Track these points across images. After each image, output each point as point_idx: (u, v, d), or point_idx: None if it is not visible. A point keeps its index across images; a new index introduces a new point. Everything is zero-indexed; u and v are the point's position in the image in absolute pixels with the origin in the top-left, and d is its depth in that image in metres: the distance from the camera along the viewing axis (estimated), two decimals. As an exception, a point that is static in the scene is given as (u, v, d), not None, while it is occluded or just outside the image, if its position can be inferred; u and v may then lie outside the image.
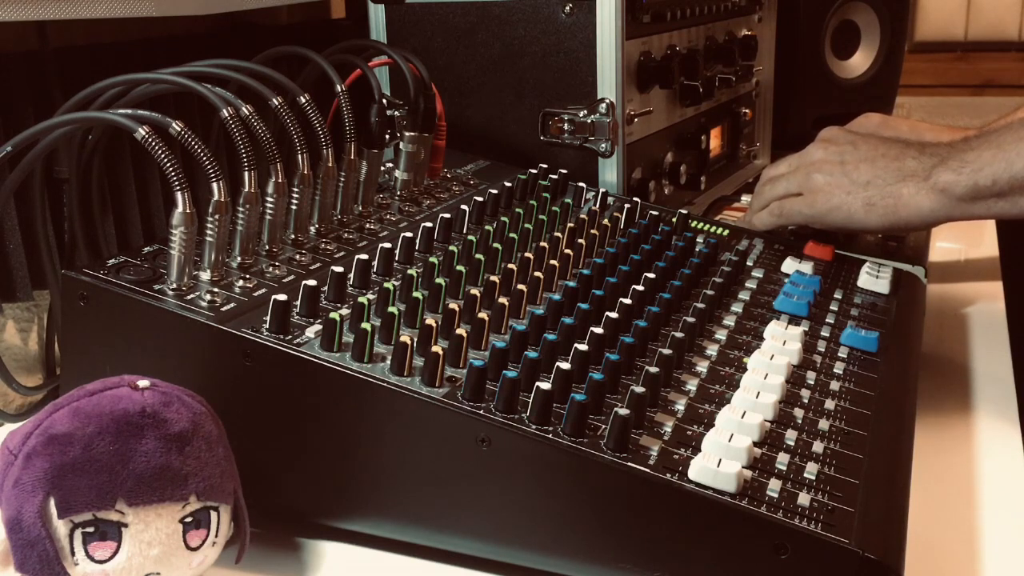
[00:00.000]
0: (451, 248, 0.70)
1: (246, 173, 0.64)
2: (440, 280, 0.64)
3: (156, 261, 0.64)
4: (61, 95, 0.79)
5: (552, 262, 0.71)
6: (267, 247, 0.69)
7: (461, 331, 0.58)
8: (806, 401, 0.61)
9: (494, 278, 0.66)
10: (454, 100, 0.99)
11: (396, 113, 0.85)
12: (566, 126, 0.95)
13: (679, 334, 0.64)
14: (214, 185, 0.62)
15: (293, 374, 0.56)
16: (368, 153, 0.80)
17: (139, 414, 0.49)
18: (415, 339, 0.57)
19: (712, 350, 0.66)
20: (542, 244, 0.73)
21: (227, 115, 0.64)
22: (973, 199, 0.78)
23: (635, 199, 0.88)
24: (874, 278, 0.82)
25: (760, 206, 0.94)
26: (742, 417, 0.55)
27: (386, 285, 0.62)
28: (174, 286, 0.61)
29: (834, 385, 0.64)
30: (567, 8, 0.93)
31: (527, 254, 0.71)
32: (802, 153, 0.91)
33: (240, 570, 0.56)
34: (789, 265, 0.83)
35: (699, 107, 1.11)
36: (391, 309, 0.59)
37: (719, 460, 0.51)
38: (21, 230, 0.78)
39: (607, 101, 0.93)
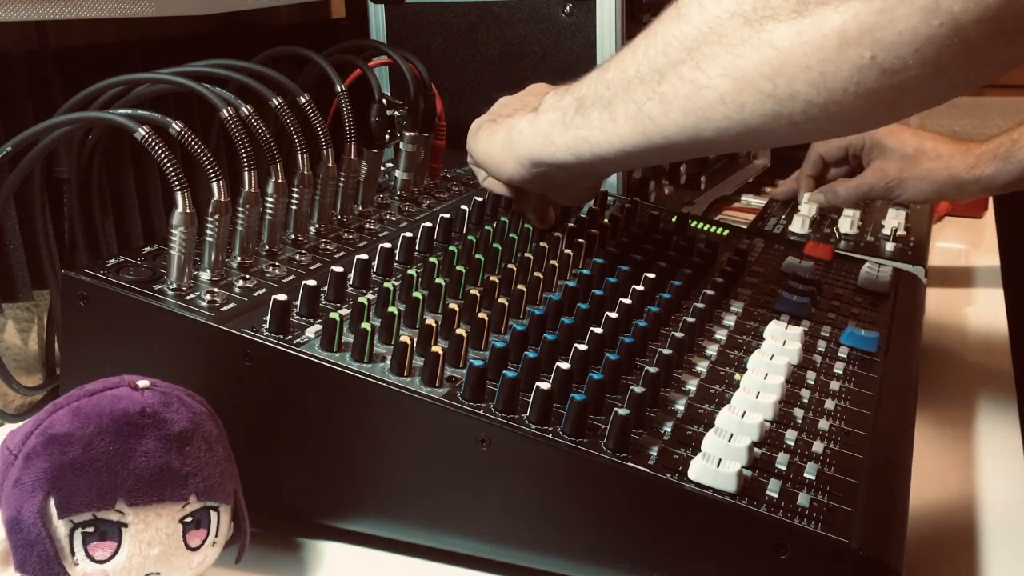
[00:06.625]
0: (451, 248, 0.70)
1: (246, 173, 0.64)
2: (440, 280, 0.64)
3: (156, 261, 0.64)
4: (61, 95, 0.79)
5: (552, 262, 0.71)
6: (267, 247, 0.69)
7: (461, 331, 0.58)
8: (806, 401, 0.61)
9: (494, 278, 0.66)
10: (454, 100, 0.99)
11: (396, 113, 0.85)
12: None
13: (679, 334, 0.64)
14: (214, 185, 0.62)
15: (293, 374, 0.56)
16: (368, 153, 0.80)
17: (139, 414, 0.49)
18: (415, 339, 0.57)
19: (712, 350, 0.66)
20: (542, 244, 0.73)
21: (227, 115, 0.64)
22: (556, 115, 0.66)
23: (635, 199, 0.88)
24: (874, 278, 0.82)
25: None
26: (742, 417, 0.55)
27: (386, 285, 0.62)
28: (174, 286, 0.61)
29: (834, 385, 0.64)
30: (567, 8, 0.93)
31: (527, 254, 0.71)
32: None
33: (240, 570, 0.56)
34: (789, 265, 0.83)
35: (699, 107, 1.11)
36: (391, 309, 0.59)
37: (719, 460, 0.51)
38: (21, 230, 0.78)
39: (607, 101, 0.93)
